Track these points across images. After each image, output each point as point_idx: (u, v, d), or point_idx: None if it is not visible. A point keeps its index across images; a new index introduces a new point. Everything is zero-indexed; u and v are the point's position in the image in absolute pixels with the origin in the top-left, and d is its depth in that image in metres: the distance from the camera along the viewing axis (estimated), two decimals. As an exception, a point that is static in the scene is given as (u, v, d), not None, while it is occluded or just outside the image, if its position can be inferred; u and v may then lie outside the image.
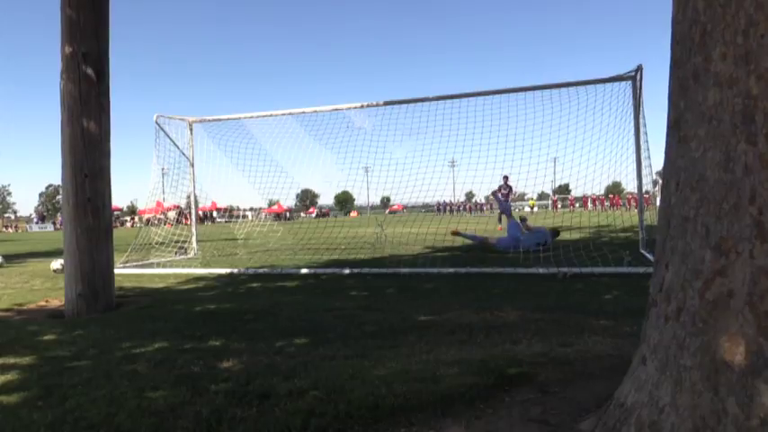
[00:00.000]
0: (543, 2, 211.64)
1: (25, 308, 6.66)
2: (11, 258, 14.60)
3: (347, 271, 9.08)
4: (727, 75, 1.87)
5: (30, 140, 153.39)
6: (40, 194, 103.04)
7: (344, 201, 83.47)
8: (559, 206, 52.52)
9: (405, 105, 11.95)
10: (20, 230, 64.67)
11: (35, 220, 75.59)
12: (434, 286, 7.36)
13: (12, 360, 4.05)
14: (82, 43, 6.15)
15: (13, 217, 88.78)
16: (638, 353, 2.17)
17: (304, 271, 9.40)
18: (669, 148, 2.16)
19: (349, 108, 12.17)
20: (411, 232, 13.74)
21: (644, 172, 10.11)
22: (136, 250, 12.30)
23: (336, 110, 12.30)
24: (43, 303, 6.93)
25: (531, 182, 11.49)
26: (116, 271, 7.01)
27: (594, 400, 2.56)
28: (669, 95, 2.19)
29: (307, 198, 74.72)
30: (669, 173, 2.14)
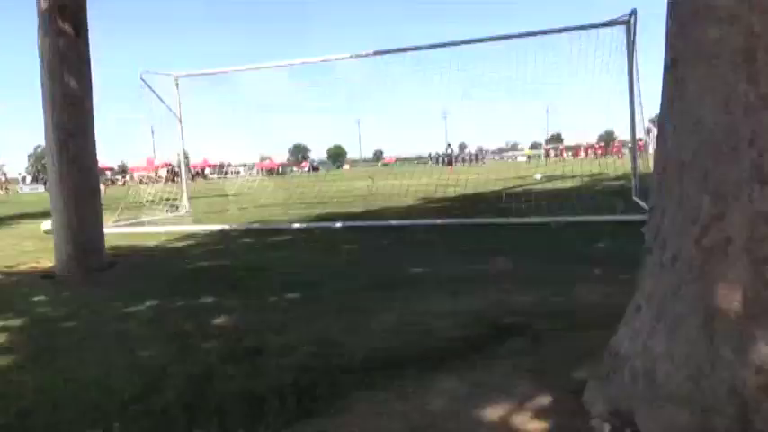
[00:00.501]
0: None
1: (16, 270, 6.60)
2: (1, 221, 14.48)
3: (339, 225, 9.04)
4: (728, 11, 1.78)
5: (19, 99, 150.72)
6: (29, 156, 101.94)
7: (337, 155, 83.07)
8: (552, 155, 52.33)
9: (395, 55, 11.68)
10: (10, 192, 64.17)
11: (27, 180, 74.88)
12: (427, 238, 7.33)
13: (1, 322, 4.01)
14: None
15: (3, 178, 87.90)
16: (633, 301, 2.13)
17: (296, 226, 9.35)
18: (666, 91, 2.08)
19: (339, 59, 11.91)
20: (403, 184, 13.67)
21: (637, 119, 9.99)
22: (127, 209, 12.20)
23: (326, 60, 12.03)
24: (34, 265, 6.87)
25: (524, 131, 11.40)
26: (107, 230, 6.93)
27: (588, 350, 2.54)
28: (666, 36, 2.09)
29: (299, 152, 74.30)
30: (666, 116, 2.06)
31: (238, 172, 22.10)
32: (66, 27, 5.97)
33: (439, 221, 8.65)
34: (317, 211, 11.77)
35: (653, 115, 11.32)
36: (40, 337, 3.57)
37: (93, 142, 6.29)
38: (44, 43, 5.98)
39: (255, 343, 3.11)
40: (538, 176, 17.11)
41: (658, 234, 2.02)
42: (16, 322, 4.03)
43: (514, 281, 4.30)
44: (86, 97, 6.16)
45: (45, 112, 6.09)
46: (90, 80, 6.24)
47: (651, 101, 9.89)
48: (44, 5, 5.93)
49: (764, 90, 1.70)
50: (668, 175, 2.01)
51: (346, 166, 69.56)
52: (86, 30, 6.20)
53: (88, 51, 6.23)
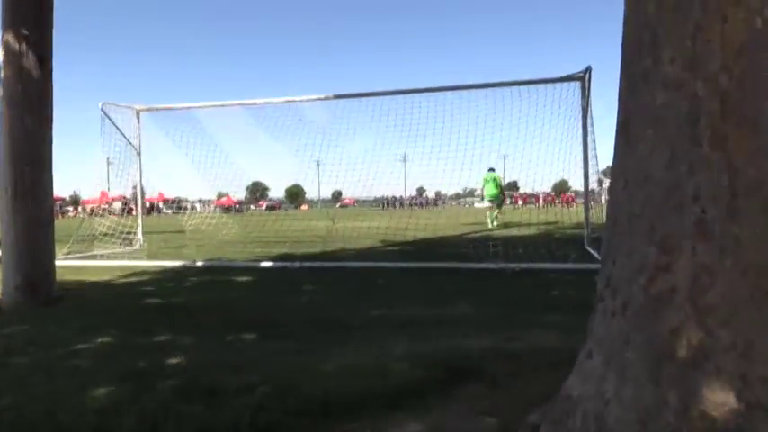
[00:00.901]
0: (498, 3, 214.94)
1: (-42, 301, 6.36)
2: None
3: (298, 265, 9.02)
4: (674, 77, 1.93)
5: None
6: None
7: (295, 194, 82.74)
8: (508, 202, 53.00)
9: (357, 99, 11.93)
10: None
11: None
12: (386, 280, 7.38)
13: (-57, 356, 3.86)
14: (23, 28, 5.89)
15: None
16: (585, 347, 2.22)
17: (254, 264, 9.29)
18: (618, 148, 2.21)
19: (301, 100, 12.06)
20: (362, 226, 13.74)
21: (590, 170, 10.36)
22: (79, 241, 11.90)
23: (289, 101, 12.17)
24: (-22, 296, 6.63)
25: (481, 178, 11.69)
26: (58, 263, 6.75)
27: (542, 393, 2.61)
28: (619, 96, 2.24)
29: (257, 190, 73.79)
30: (617, 172, 2.19)
31: (195, 208, 21.83)
32: (31, 57, 5.94)
33: (398, 264, 8.72)
34: (276, 250, 11.71)
35: (605, 167, 11.76)
36: (-15, 371, 3.45)
37: (50, 175, 6.20)
38: (6, 73, 5.93)
39: (211, 382, 3.07)
40: (492, 224, 17.60)
41: (609, 282, 2.13)
42: (-41, 356, 3.88)
43: (470, 325, 4.37)
44: (47, 129, 6.10)
45: (2, 142, 5.98)
46: (51, 112, 6.19)
47: (603, 153, 10.31)
48: (8, 36, 5.89)
49: (706, 151, 1.83)
50: (619, 226, 2.12)
51: (304, 206, 69.30)
52: (50, 61, 6.17)
53: (51, 83, 6.19)
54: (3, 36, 5.92)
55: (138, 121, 12.94)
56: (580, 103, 10.25)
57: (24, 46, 5.89)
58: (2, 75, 5.96)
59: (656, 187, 1.96)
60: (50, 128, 6.19)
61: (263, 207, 63.09)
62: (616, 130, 2.22)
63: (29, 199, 5.94)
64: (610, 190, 2.26)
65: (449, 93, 11.28)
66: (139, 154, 13.02)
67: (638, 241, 2.00)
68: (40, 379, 3.25)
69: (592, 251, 9.42)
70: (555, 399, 2.30)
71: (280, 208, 61.56)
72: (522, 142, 11.29)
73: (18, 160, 5.91)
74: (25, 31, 5.89)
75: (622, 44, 2.21)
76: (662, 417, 1.83)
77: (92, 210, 15.25)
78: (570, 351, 2.36)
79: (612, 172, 2.23)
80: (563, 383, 2.28)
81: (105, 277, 8.11)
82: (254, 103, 12.50)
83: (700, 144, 1.85)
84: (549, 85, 10.54)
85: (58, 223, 6.58)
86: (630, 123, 2.10)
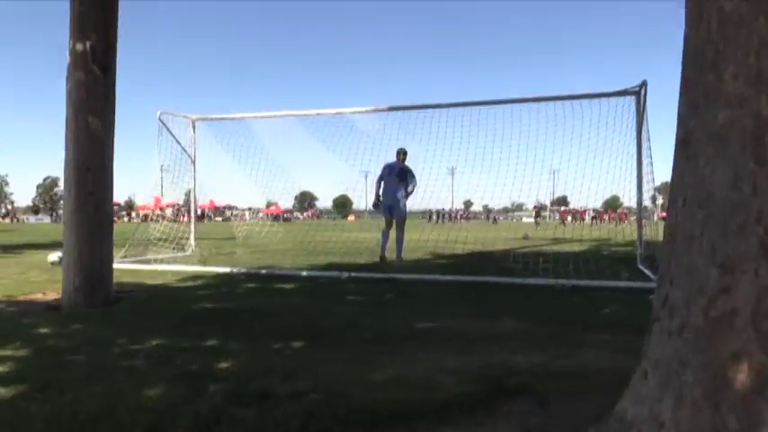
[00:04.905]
0: (552, 15, 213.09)
1: (21, 299, 6.64)
2: (7, 249, 14.56)
3: (346, 275, 9.08)
4: (738, 95, 1.89)
5: (28, 131, 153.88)
6: (38, 186, 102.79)
7: (342, 204, 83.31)
8: (556, 218, 52.07)
9: (408, 111, 11.98)
10: (17, 221, 64.63)
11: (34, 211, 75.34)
12: (433, 293, 7.35)
13: (8, 352, 4.04)
14: (90, 38, 6.16)
15: (10, 207, 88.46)
16: (640, 368, 2.18)
17: (303, 273, 9.39)
18: (677, 166, 2.18)
19: (353, 112, 12.19)
20: (411, 239, 13.72)
21: (645, 188, 10.10)
22: (134, 245, 12.28)
23: (340, 113, 12.32)
24: (40, 295, 6.92)
25: (530, 192, 11.57)
26: (114, 265, 6.99)
27: (593, 414, 2.56)
28: (678, 114, 2.21)
29: (306, 200, 74.70)
30: (676, 190, 2.15)
31: (244, 216, 22.25)
32: (96, 67, 6.20)
33: (445, 278, 8.68)
34: (324, 259, 11.82)
35: (658, 183, 11.45)
36: (48, 368, 3.59)
37: (112, 179, 6.44)
38: (73, 81, 6.20)
39: (262, 388, 3.12)
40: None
41: (666, 302, 2.09)
42: (23, 352, 4.06)
43: (519, 341, 4.32)
44: (109, 135, 6.35)
45: (66, 147, 6.26)
46: (113, 119, 6.43)
47: (658, 169, 10.05)
48: (76, 45, 6.17)
49: (772, 171, 1.79)
50: (677, 245, 2.08)
51: (351, 217, 69.76)
52: (114, 70, 6.43)
53: (114, 91, 6.44)
54: (70, 44, 6.20)
55: (194, 131, 13.31)
56: (635, 117, 10.04)
57: (90, 54, 6.16)
58: (68, 81, 6.23)
59: (717, 207, 1.92)
60: (113, 134, 6.43)
61: (311, 216, 64.06)
62: (675, 148, 2.18)
63: (90, 203, 6.18)
64: (668, 208, 2.22)
65: (499, 106, 11.23)
66: (194, 162, 13.38)
67: (698, 262, 1.96)
68: (98, 377, 3.37)
69: (645, 270, 9.18)
70: (606, 420, 2.26)
71: (319, 217, 62.43)
72: (574, 157, 11.11)
73: (82, 165, 6.16)
74: (92, 41, 6.16)
75: (683, 61, 2.18)
76: (721, 442, 1.79)
77: (146, 215, 15.73)
78: (620, 371, 2.32)
79: (671, 190, 2.19)
80: (616, 404, 2.24)
81: (159, 281, 8.34)
82: (306, 114, 12.70)
83: (764, 164, 1.81)
84: (603, 100, 10.35)
85: (115, 227, 6.81)
86: (691, 141, 2.07)
